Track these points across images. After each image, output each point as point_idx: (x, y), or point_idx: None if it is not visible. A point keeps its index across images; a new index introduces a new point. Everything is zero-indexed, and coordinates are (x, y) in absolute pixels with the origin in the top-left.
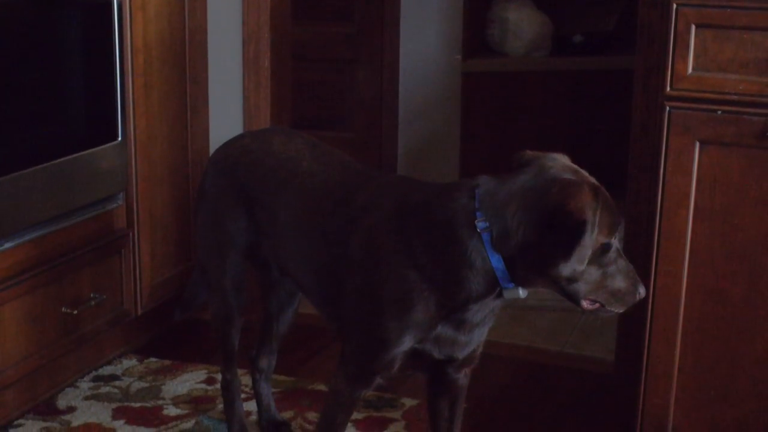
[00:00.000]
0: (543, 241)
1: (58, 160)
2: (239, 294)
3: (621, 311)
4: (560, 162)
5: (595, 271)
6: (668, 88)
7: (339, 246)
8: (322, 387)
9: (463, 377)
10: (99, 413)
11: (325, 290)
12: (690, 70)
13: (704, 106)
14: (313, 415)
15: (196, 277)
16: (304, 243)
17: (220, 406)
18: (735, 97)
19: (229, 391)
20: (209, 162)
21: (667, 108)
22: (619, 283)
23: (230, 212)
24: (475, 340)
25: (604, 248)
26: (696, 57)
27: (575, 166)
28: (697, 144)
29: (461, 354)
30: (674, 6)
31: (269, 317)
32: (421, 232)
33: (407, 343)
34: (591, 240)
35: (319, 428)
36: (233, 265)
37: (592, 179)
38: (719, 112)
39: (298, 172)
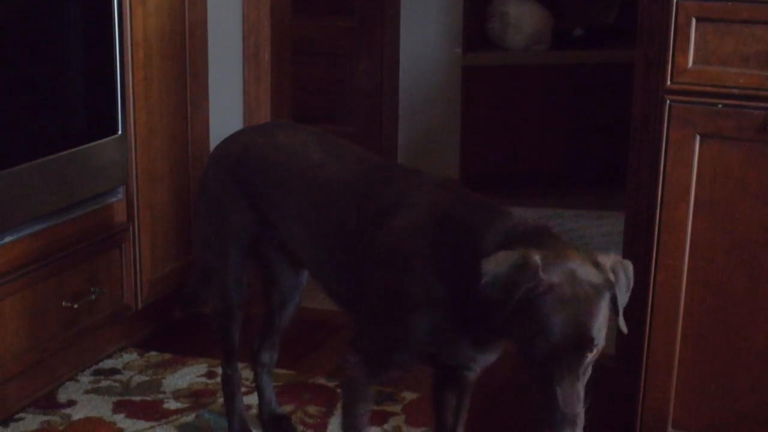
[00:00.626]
0: None
1: (58, 154)
2: (240, 289)
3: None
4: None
5: (535, 368)
6: (669, 82)
7: (361, 240)
8: (323, 381)
9: (473, 373)
10: (99, 407)
11: (342, 282)
12: (690, 63)
13: (705, 100)
14: (313, 409)
15: (197, 275)
16: (319, 235)
17: (221, 400)
18: (735, 91)
19: (229, 385)
20: (211, 158)
21: (668, 101)
22: (540, 399)
23: (233, 208)
24: (489, 352)
25: (532, 341)
26: (696, 50)
27: (605, 270)
28: (698, 137)
29: (475, 362)
30: None
31: (271, 311)
32: (454, 249)
33: (426, 346)
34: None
35: (343, 422)
36: (235, 260)
37: (584, 287)
38: (720, 106)
39: (309, 164)
